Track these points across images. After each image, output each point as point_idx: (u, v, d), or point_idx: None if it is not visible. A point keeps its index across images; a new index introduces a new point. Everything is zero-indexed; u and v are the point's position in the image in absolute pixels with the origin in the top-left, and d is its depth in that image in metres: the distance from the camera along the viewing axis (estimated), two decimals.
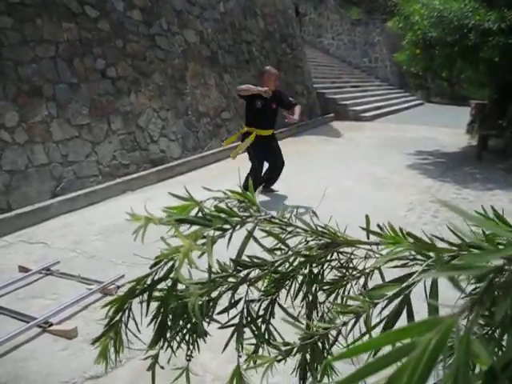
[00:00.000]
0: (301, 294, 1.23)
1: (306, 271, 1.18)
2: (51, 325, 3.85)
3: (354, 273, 1.20)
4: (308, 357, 1.16)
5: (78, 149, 7.50)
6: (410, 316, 0.93)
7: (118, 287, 4.43)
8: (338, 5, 24.93)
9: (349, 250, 1.19)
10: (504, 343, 0.78)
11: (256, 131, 7.29)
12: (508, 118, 10.75)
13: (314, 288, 1.22)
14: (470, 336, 0.46)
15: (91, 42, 8.08)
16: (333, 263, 1.21)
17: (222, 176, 8.45)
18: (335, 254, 1.19)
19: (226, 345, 1.21)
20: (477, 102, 13.37)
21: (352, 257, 1.21)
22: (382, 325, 0.97)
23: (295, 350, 1.15)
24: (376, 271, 1.13)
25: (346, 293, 1.21)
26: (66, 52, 7.61)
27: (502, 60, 8.86)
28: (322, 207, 5.90)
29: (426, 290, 0.91)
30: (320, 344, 1.14)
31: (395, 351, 0.45)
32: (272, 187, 7.87)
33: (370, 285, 1.19)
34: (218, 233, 1.08)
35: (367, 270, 1.17)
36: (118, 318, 1.17)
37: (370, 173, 9.04)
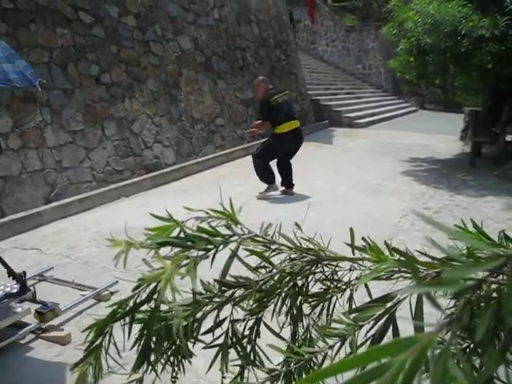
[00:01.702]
0: (286, 308, 1.21)
1: (291, 284, 1.17)
2: (45, 331, 3.84)
3: (339, 285, 1.19)
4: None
5: (72, 155, 7.49)
6: (396, 336, 0.92)
7: (112, 293, 4.43)
8: (333, 11, 25.01)
9: (334, 262, 1.18)
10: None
11: None
12: (501, 124, 10.78)
13: (298, 301, 1.20)
14: (447, 357, 0.44)
15: (85, 47, 8.08)
16: (317, 276, 1.20)
17: (217, 182, 8.45)
18: (320, 266, 1.18)
19: (210, 366, 1.19)
20: (470, 109, 13.39)
21: (337, 269, 1.20)
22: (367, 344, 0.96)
23: (282, 375, 1.14)
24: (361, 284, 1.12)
25: (332, 305, 1.19)
26: (60, 58, 7.60)
27: (495, 67, 8.90)
28: (315, 214, 5.91)
29: (411, 308, 0.90)
30: (301, 365, 1.13)
31: (367, 373, 0.42)
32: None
33: (356, 296, 1.18)
34: (201, 253, 1.06)
35: (352, 283, 1.16)
36: (98, 342, 1.14)
37: (363, 179, 9.05)
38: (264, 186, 7.89)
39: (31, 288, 4.03)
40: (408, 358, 0.42)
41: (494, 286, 0.73)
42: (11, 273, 3.94)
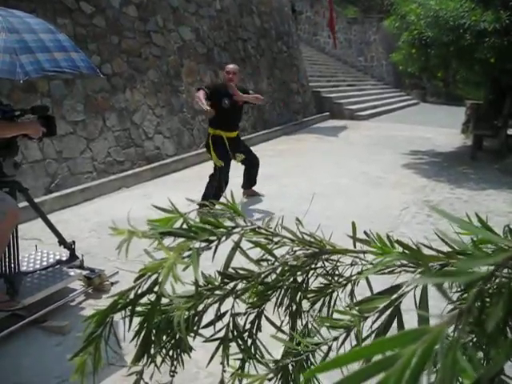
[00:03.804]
0: (286, 303, 1.21)
1: (291, 279, 1.16)
2: (45, 320, 3.85)
3: (340, 280, 1.18)
4: (291, 368, 1.14)
5: (73, 145, 7.48)
6: (401, 328, 0.92)
7: (112, 284, 4.44)
8: (335, 3, 24.92)
9: (335, 257, 1.18)
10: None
11: (223, 134, 6.48)
12: (503, 118, 10.78)
13: (298, 297, 1.20)
14: (457, 349, 0.44)
15: (86, 38, 8.05)
16: (318, 271, 1.19)
17: None
18: (321, 260, 1.17)
19: (210, 360, 1.19)
20: (472, 102, 13.39)
21: (338, 264, 1.20)
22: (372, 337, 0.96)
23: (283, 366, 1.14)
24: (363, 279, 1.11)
25: (333, 301, 1.19)
26: None
27: (497, 61, 8.88)
28: (316, 206, 5.90)
29: (415, 301, 0.90)
30: (305, 357, 1.12)
31: (375, 364, 0.42)
32: (256, 190, 7.45)
33: (357, 291, 1.18)
34: (203, 244, 1.06)
35: (354, 277, 1.15)
36: (98, 332, 1.13)
37: (364, 172, 9.05)
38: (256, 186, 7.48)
39: (79, 256, 4.50)
40: (417, 349, 0.42)
41: (504, 280, 0.73)
42: (62, 242, 4.45)
